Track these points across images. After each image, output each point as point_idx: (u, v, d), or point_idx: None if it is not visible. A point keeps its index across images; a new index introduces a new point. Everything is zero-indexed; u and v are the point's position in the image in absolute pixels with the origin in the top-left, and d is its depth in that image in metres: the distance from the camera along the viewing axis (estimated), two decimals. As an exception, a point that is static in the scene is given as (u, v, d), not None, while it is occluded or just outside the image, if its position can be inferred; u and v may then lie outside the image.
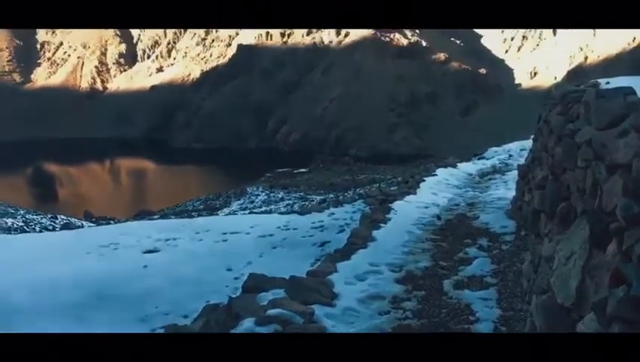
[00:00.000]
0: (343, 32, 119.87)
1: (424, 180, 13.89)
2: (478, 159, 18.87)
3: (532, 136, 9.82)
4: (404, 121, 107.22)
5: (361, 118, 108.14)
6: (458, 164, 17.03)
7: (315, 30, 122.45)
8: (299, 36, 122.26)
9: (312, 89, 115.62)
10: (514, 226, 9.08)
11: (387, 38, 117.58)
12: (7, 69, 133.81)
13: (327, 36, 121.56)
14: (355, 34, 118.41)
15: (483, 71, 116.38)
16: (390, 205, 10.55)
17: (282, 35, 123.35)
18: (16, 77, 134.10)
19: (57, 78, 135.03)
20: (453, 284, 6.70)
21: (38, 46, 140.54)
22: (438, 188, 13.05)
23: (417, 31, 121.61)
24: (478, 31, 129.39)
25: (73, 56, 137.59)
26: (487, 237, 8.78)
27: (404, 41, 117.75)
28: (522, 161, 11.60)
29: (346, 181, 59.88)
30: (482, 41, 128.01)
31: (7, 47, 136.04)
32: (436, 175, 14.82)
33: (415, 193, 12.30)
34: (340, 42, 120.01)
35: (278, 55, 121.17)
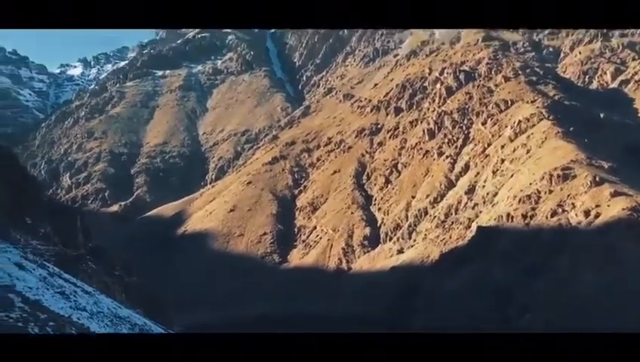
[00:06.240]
0: (593, 212, 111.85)
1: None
2: None
3: None
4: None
5: (619, 307, 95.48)
6: None
7: (560, 211, 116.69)
8: (542, 217, 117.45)
9: (558, 274, 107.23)
10: None
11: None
12: (269, 250, 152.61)
13: (575, 218, 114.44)
14: (607, 214, 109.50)
15: None
16: None
17: (524, 216, 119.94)
18: (276, 257, 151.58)
19: (309, 259, 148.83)
20: None
21: (296, 230, 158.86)
22: None
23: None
24: None
25: (324, 239, 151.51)
26: None
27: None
28: None
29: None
30: None
31: (270, 231, 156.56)
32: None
33: None
34: (589, 223, 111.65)
35: (519, 237, 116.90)
